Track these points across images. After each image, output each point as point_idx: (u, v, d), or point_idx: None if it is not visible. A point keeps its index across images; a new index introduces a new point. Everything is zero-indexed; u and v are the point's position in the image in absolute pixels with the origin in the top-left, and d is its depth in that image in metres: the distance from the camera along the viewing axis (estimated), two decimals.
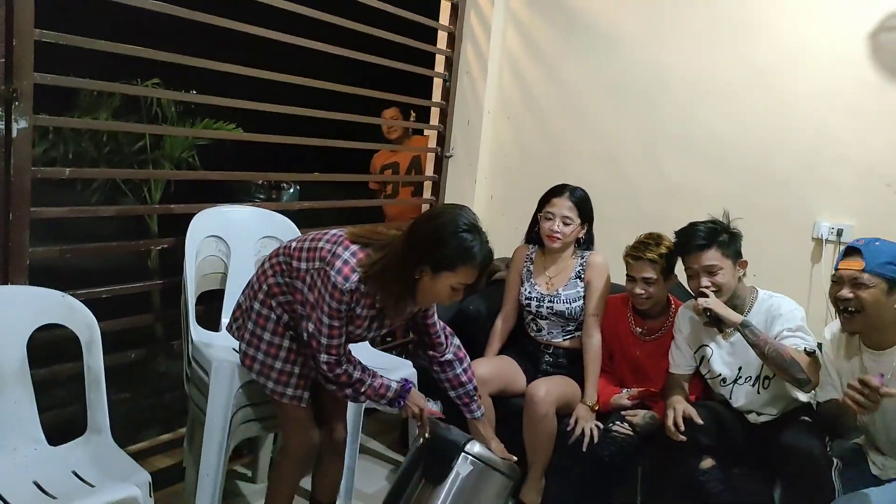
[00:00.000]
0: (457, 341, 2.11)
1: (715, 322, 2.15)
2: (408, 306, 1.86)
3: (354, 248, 1.78)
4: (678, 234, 2.25)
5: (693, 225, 2.21)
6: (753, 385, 2.21)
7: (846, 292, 1.87)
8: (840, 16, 2.56)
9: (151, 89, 3.52)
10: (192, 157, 4.16)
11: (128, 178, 3.64)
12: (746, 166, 2.80)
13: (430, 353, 2.07)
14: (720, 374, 2.25)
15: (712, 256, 2.14)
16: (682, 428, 2.06)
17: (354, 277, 1.74)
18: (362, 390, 1.87)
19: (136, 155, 3.88)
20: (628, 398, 2.39)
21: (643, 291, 2.36)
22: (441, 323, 2.07)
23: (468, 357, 2.12)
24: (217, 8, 2.36)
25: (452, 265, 1.67)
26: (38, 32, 1.79)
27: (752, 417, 2.23)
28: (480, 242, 1.70)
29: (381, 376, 1.92)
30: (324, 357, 1.80)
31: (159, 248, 2.32)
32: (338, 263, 1.74)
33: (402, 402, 1.93)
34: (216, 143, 3.67)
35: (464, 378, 2.08)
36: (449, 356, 2.06)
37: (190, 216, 2.29)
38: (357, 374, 1.86)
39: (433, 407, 2.05)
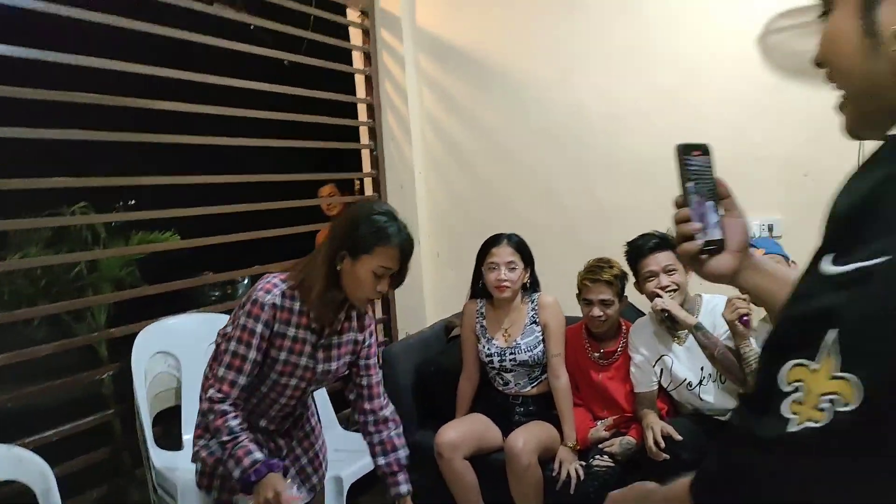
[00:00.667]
0: (392, 407, 2.00)
1: (670, 322, 2.22)
2: (339, 310, 1.77)
3: (282, 274, 1.77)
4: (631, 243, 2.35)
5: (643, 234, 2.32)
6: (715, 382, 2.26)
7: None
8: (727, 26, 2.69)
9: (81, 217, 3.47)
10: (131, 275, 4.07)
11: (67, 310, 3.53)
12: (673, 181, 2.86)
13: (368, 406, 1.92)
14: (685, 379, 2.29)
15: (668, 256, 2.23)
16: (663, 445, 2.07)
17: (277, 291, 1.70)
18: (228, 447, 1.63)
19: (74, 282, 3.79)
20: (605, 429, 2.39)
21: (601, 313, 2.41)
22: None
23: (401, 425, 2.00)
24: (137, 117, 2.37)
25: (368, 247, 1.66)
26: None
27: (727, 419, 2.24)
28: (397, 226, 1.71)
29: (251, 445, 1.65)
30: (211, 392, 1.64)
31: (108, 374, 2.24)
32: (261, 284, 1.71)
33: (252, 479, 1.60)
34: (156, 252, 3.59)
35: (397, 442, 1.93)
36: (387, 413, 1.95)
37: (134, 334, 2.24)
38: (235, 426, 1.64)
39: (294, 493, 1.76)
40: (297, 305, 1.71)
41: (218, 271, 3.05)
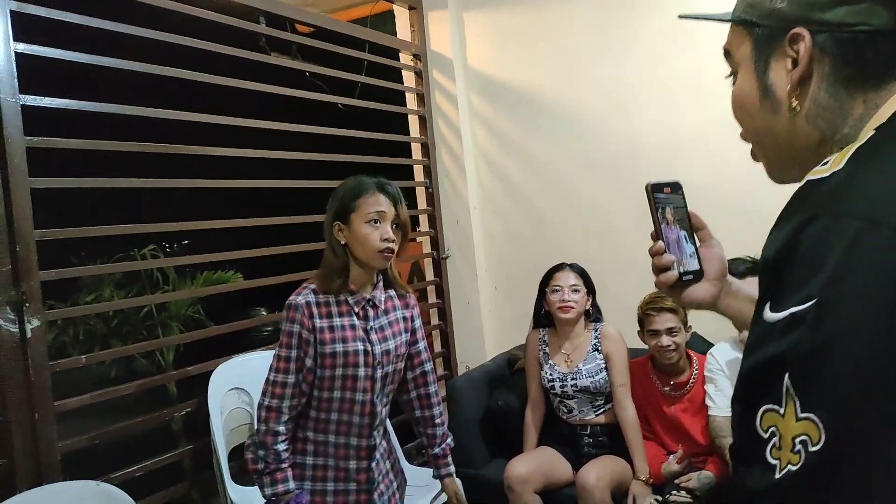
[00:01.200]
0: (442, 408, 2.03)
1: None
2: (368, 280, 1.79)
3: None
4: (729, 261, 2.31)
5: (739, 258, 2.29)
6: None
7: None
8: None
9: (151, 261, 3.64)
10: (197, 312, 4.22)
11: (141, 351, 3.67)
12: (733, 210, 2.84)
13: (418, 393, 1.94)
14: None
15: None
16: None
17: (307, 291, 1.73)
18: (269, 463, 1.67)
19: (144, 321, 3.94)
20: (677, 462, 2.34)
21: (670, 343, 2.38)
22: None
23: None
24: (203, 164, 2.49)
25: (350, 204, 1.73)
26: (38, 233, 1.86)
27: None
28: (370, 178, 1.77)
29: (289, 473, 1.69)
30: (265, 400, 1.68)
31: (187, 410, 2.31)
32: (292, 294, 1.75)
33: None
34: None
35: (446, 434, 2.00)
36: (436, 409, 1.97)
37: (207, 372, 2.30)
38: (282, 450, 1.68)
39: None
40: (331, 298, 1.75)
41: (272, 309, 3.15)
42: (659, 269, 0.95)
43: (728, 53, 0.78)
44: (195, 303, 4.18)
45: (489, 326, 3.53)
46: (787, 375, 0.54)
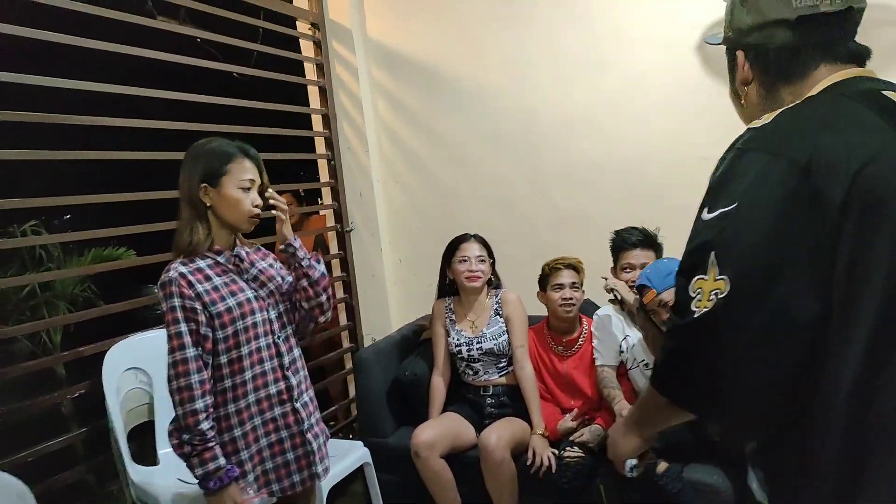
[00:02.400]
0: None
1: (619, 304, 2.43)
2: (228, 234, 1.82)
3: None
4: (618, 232, 2.53)
5: (631, 227, 2.50)
6: None
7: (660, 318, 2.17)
8: (670, 37, 2.85)
9: (34, 238, 3.41)
10: (86, 291, 3.99)
11: (27, 332, 3.46)
12: (623, 184, 3.02)
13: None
14: (642, 360, 2.42)
15: (648, 255, 2.42)
16: None
17: (174, 265, 1.73)
18: (196, 444, 1.66)
19: (26, 301, 3.69)
20: (572, 419, 2.50)
21: (572, 296, 2.56)
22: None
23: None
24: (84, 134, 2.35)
25: (220, 168, 1.74)
26: None
27: None
28: (233, 144, 1.80)
29: (217, 450, 1.70)
30: (173, 384, 1.67)
31: (80, 392, 2.22)
32: (164, 272, 1.74)
33: (212, 486, 1.67)
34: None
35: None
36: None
37: (100, 353, 2.22)
38: (206, 428, 1.66)
39: (252, 498, 1.78)
40: (201, 262, 1.76)
41: None
42: None
43: None
44: (84, 281, 3.96)
45: (394, 298, 3.58)
46: (713, 252, 0.88)
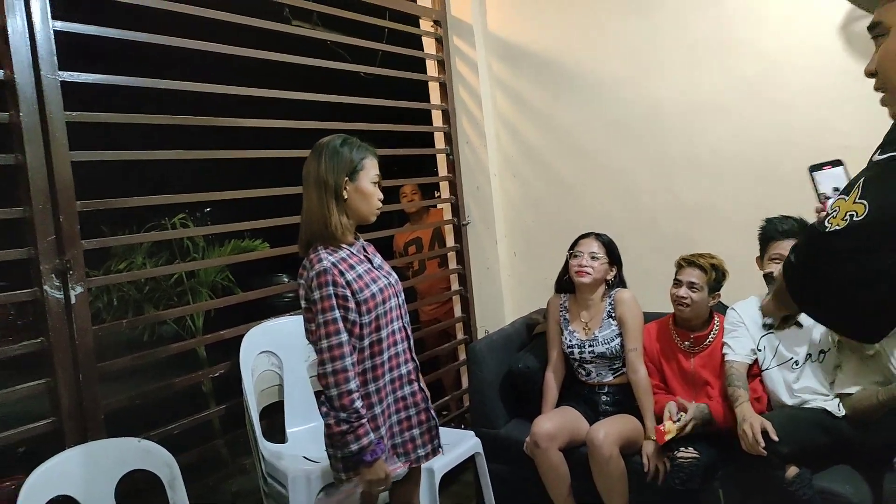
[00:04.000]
0: None
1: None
2: (353, 229, 1.90)
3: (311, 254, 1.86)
4: (768, 220, 2.38)
5: (784, 216, 2.35)
6: (815, 362, 2.29)
7: None
8: (811, 16, 2.66)
9: (182, 230, 3.76)
10: (226, 279, 4.34)
11: (175, 316, 3.82)
12: (756, 175, 2.86)
13: None
14: (791, 358, 2.29)
15: None
16: (763, 444, 2.05)
17: (322, 255, 1.80)
18: (352, 421, 1.75)
19: (174, 287, 4.06)
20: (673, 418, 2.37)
21: (686, 296, 2.45)
22: None
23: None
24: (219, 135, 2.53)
25: (359, 164, 1.86)
26: (79, 204, 1.95)
27: (830, 406, 2.22)
28: (356, 139, 1.91)
29: (370, 426, 1.79)
30: (328, 367, 1.75)
31: (220, 372, 2.43)
32: (309, 266, 1.81)
33: (367, 458, 1.76)
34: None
35: None
36: None
37: (237, 336, 2.41)
38: (359, 406, 1.76)
39: (398, 469, 1.90)
40: (342, 252, 1.85)
41: (293, 277, 3.20)
42: None
43: (877, 24, 1.03)
44: (223, 270, 4.30)
45: (508, 291, 3.59)
46: (863, 180, 0.93)
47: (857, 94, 2.59)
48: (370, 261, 1.94)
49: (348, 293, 1.79)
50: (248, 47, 2.51)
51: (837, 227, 0.91)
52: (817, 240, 0.96)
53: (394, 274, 2.00)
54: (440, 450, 2.01)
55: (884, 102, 1.07)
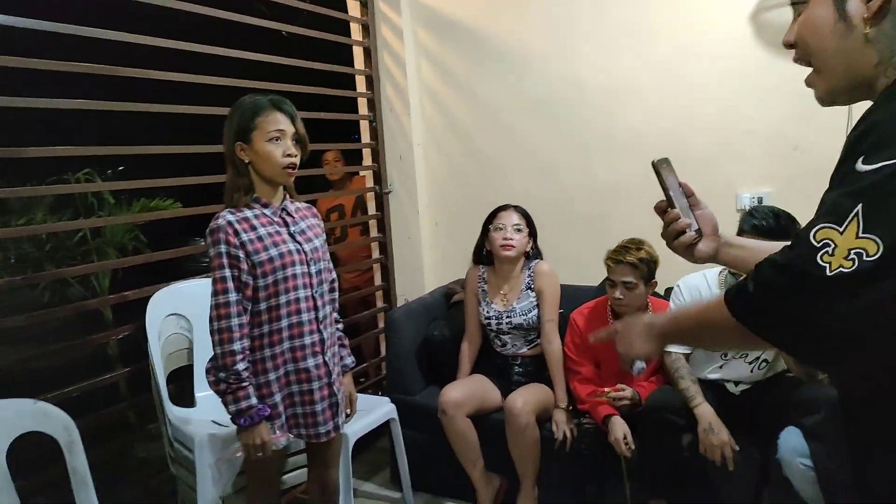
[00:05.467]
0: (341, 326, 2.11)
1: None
2: (273, 188, 1.88)
3: None
4: (751, 212, 2.22)
5: (766, 207, 2.22)
6: (750, 363, 2.30)
7: None
8: (721, 3, 2.77)
9: (88, 185, 3.54)
10: (135, 239, 4.14)
11: (78, 274, 3.61)
12: (667, 154, 2.94)
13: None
14: (745, 353, 2.28)
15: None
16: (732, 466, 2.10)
17: (222, 213, 1.81)
18: (231, 383, 1.75)
19: (78, 246, 3.85)
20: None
21: (622, 296, 2.40)
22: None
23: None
24: (134, 87, 2.41)
25: (250, 124, 1.80)
26: None
27: (730, 387, 2.34)
28: (264, 97, 1.85)
29: (251, 390, 1.79)
30: (214, 324, 1.76)
31: (123, 334, 2.33)
32: (214, 219, 1.81)
33: (243, 423, 1.76)
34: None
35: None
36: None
37: (144, 298, 2.32)
38: (241, 369, 1.75)
39: (279, 439, 1.86)
40: (248, 212, 1.83)
41: None
42: (677, 233, 1.16)
43: None
44: (133, 229, 4.10)
45: (428, 261, 3.61)
46: (860, 205, 0.74)
47: (762, 80, 2.74)
48: (286, 224, 1.90)
49: (241, 254, 1.77)
50: None
51: (844, 271, 0.74)
52: (815, 283, 0.77)
53: (315, 242, 1.94)
54: (341, 427, 1.99)
55: (809, 83, 0.95)
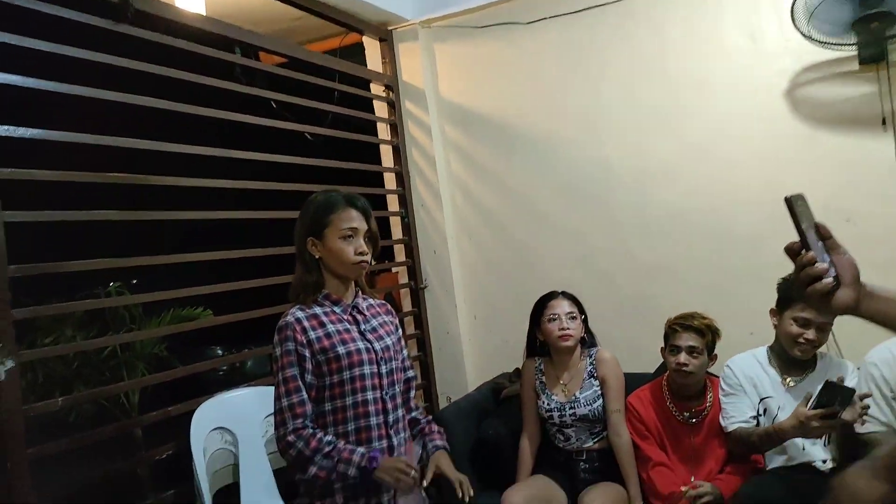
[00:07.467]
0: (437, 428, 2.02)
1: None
2: (344, 284, 1.83)
3: None
4: (786, 281, 2.21)
5: None
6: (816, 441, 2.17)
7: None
8: (756, 83, 2.78)
9: (118, 298, 3.45)
10: (162, 351, 4.02)
11: (114, 393, 3.50)
12: (711, 234, 2.91)
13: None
14: None
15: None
16: None
17: (292, 310, 1.75)
18: (332, 454, 1.65)
19: (107, 362, 3.74)
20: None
21: (687, 362, 2.30)
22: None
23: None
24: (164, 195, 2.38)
25: (324, 220, 1.77)
26: (12, 269, 1.75)
27: (819, 465, 2.17)
28: (338, 194, 1.82)
29: (351, 446, 1.69)
30: (290, 425, 1.66)
31: (163, 456, 2.19)
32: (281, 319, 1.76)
33: (372, 466, 1.65)
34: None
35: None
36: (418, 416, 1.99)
37: (182, 413, 2.19)
38: (330, 439, 1.68)
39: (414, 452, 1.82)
40: (318, 309, 1.77)
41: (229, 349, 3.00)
42: (811, 279, 0.98)
43: None
44: (161, 341, 4.00)
45: (470, 356, 3.48)
46: None
47: (806, 154, 2.71)
48: (356, 322, 1.82)
49: (307, 353, 1.70)
50: (187, 103, 2.39)
51: None
52: None
53: (387, 340, 1.85)
54: None
55: None
